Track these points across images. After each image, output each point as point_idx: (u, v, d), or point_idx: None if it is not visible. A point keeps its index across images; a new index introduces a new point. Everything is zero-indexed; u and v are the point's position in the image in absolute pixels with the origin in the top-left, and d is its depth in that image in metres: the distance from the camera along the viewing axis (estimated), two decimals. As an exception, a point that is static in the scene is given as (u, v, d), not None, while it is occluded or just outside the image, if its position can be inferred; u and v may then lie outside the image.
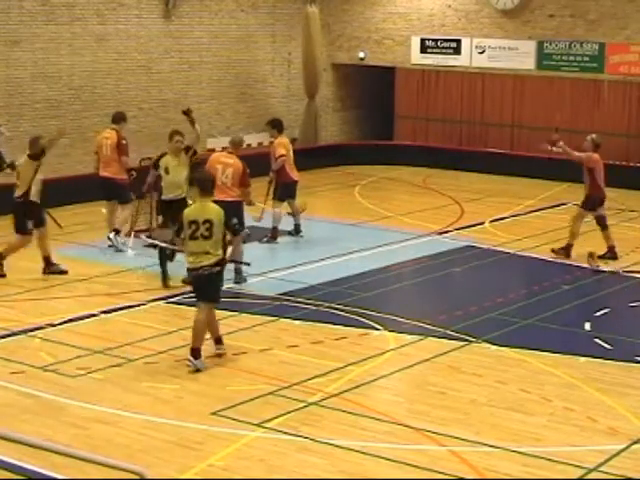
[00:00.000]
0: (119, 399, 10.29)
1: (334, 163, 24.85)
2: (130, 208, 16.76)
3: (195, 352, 11.15)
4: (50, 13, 20.37)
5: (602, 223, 16.48)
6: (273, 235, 17.06)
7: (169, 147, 15.03)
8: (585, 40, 23.43)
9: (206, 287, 11.28)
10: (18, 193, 14.79)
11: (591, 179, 16.43)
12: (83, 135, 20.97)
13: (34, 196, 14.80)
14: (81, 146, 20.87)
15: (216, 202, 11.65)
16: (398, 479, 8.70)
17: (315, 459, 8.98)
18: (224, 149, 17.02)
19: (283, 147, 17.18)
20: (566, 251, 16.31)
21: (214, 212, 11.24)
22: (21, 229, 14.86)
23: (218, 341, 11.59)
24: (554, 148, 16.98)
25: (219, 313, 13.01)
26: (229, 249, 11.89)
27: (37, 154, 14.83)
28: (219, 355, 11.52)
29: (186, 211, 11.42)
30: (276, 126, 17.51)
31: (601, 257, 16.00)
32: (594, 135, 16.79)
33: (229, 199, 14.10)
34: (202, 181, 11.53)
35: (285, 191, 17.29)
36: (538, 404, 10.37)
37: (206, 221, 11.11)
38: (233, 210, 13.04)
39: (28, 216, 14.84)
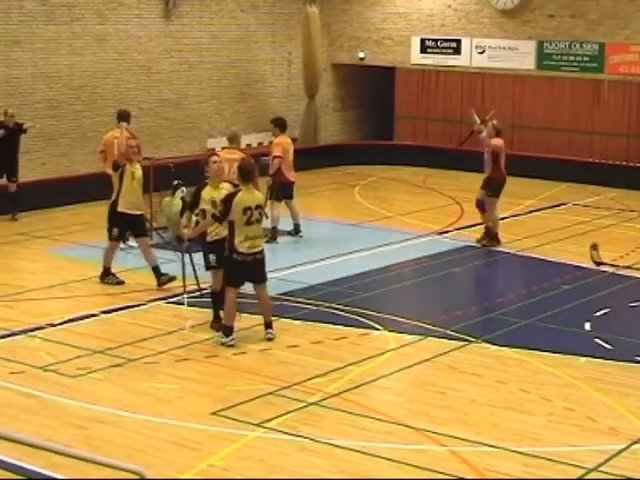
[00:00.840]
0: (119, 399, 10.29)
1: (334, 163, 24.85)
2: None
3: (229, 330, 11.89)
4: (50, 13, 20.38)
5: (482, 208, 17.18)
6: (273, 235, 17.06)
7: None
8: (585, 40, 23.44)
9: (263, 269, 12.10)
10: (110, 200, 14.66)
11: (496, 164, 17.10)
12: (83, 135, 20.98)
13: (123, 206, 14.32)
14: (81, 146, 20.89)
15: None
16: (398, 479, 8.71)
17: (315, 459, 8.98)
18: (224, 148, 17.03)
19: (280, 147, 17.13)
20: (493, 239, 16.96)
21: (261, 198, 12.23)
22: (108, 234, 14.65)
23: (268, 325, 12.22)
24: (481, 134, 17.52)
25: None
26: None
27: (116, 166, 14.49)
28: (270, 339, 12.06)
29: (239, 198, 11.78)
30: (279, 125, 17.46)
31: (479, 240, 16.94)
32: (495, 121, 17.35)
33: None
34: (245, 168, 12.07)
35: (281, 191, 17.27)
36: (538, 404, 10.37)
37: (258, 206, 11.91)
38: None
39: (115, 224, 14.49)
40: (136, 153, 14.66)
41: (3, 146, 18.44)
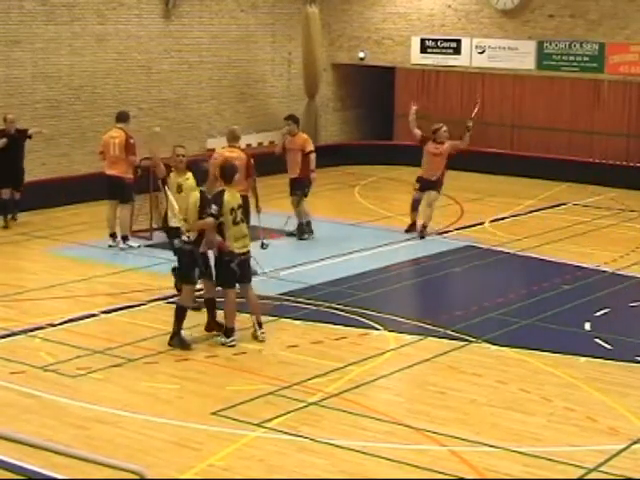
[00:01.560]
0: (119, 399, 10.29)
1: (334, 163, 24.82)
2: (129, 208, 16.75)
3: (231, 331, 11.97)
4: (50, 13, 20.37)
5: (417, 205, 17.79)
6: (308, 230, 17.21)
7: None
8: (585, 40, 23.43)
9: (249, 269, 12.27)
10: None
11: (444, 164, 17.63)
12: (83, 135, 20.97)
13: (171, 220, 12.79)
14: (81, 146, 20.88)
15: None
16: (398, 479, 8.71)
17: (315, 459, 8.98)
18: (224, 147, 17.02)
19: (311, 143, 17.34)
20: (420, 231, 17.63)
21: (239, 198, 12.24)
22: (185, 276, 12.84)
23: (260, 325, 12.21)
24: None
25: (219, 313, 13.04)
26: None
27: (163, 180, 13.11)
28: (262, 340, 12.08)
29: (226, 199, 11.86)
30: (297, 121, 17.65)
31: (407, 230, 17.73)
32: (438, 125, 17.96)
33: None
34: (227, 170, 12.18)
35: (300, 186, 17.30)
36: (538, 404, 10.37)
37: (239, 206, 12.04)
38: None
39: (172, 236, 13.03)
40: (182, 162, 12.91)
41: (6, 155, 17.53)
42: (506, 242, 17.29)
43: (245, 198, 14.11)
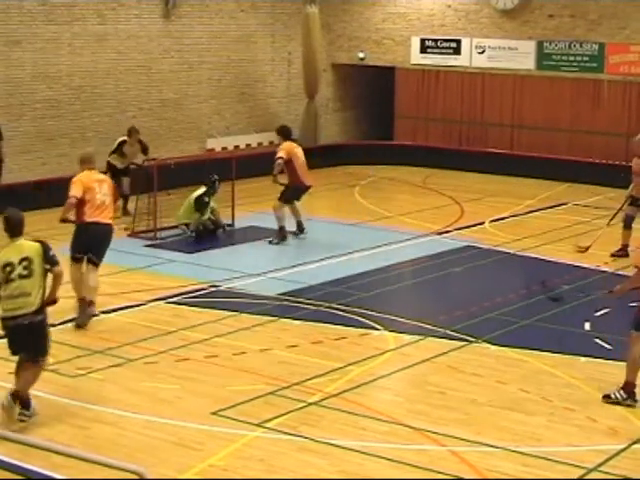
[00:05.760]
0: (119, 399, 10.29)
1: (334, 163, 24.84)
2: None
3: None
4: (50, 13, 20.37)
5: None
6: (282, 235, 17.03)
7: None
8: (585, 40, 23.44)
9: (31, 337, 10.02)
10: None
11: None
12: (83, 135, 20.98)
13: None
14: (81, 146, 20.83)
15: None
16: (398, 479, 8.71)
17: (315, 459, 8.98)
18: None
19: (283, 151, 17.15)
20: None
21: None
22: None
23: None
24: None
25: (219, 313, 13.08)
26: None
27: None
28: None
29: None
30: (280, 133, 17.62)
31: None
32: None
33: None
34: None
35: (294, 194, 17.30)
36: (538, 404, 10.37)
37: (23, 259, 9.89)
38: None
39: None
40: None
41: None
42: (506, 242, 17.29)
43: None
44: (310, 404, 10.21)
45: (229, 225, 17.90)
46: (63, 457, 7.95)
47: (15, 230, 9.82)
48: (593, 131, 23.68)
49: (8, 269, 9.62)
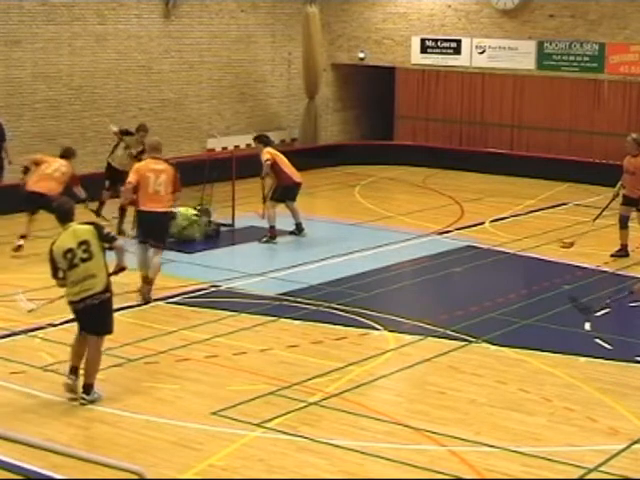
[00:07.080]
0: (119, 399, 10.29)
1: (334, 163, 24.85)
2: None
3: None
4: (50, 13, 20.38)
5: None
6: (272, 234, 17.09)
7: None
8: (585, 40, 23.44)
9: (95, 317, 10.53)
10: None
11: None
12: (83, 135, 20.99)
13: None
14: (81, 146, 20.84)
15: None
16: (398, 479, 8.71)
17: (315, 459, 8.98)
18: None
19: (268, 154, 17.25)
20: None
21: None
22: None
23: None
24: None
25: (219, 313, 13.09)
26: None
27: None
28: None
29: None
30: (261, 141, 17.63)
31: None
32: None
33: None
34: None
35: (284, 193, 17.34)
36: (538, 404, 10.37)
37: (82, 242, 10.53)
38: None
39: None
40: None
41: None
42: (506, 242, 17.29)
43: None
44: (310, 404, 10.21)
45: (229, 225, 17.92)
46: (63, 457, 7.95)
47: (66, 217, 10.42)
48: (593, 131, 23.68)
49: (69, 255, 10.17)
